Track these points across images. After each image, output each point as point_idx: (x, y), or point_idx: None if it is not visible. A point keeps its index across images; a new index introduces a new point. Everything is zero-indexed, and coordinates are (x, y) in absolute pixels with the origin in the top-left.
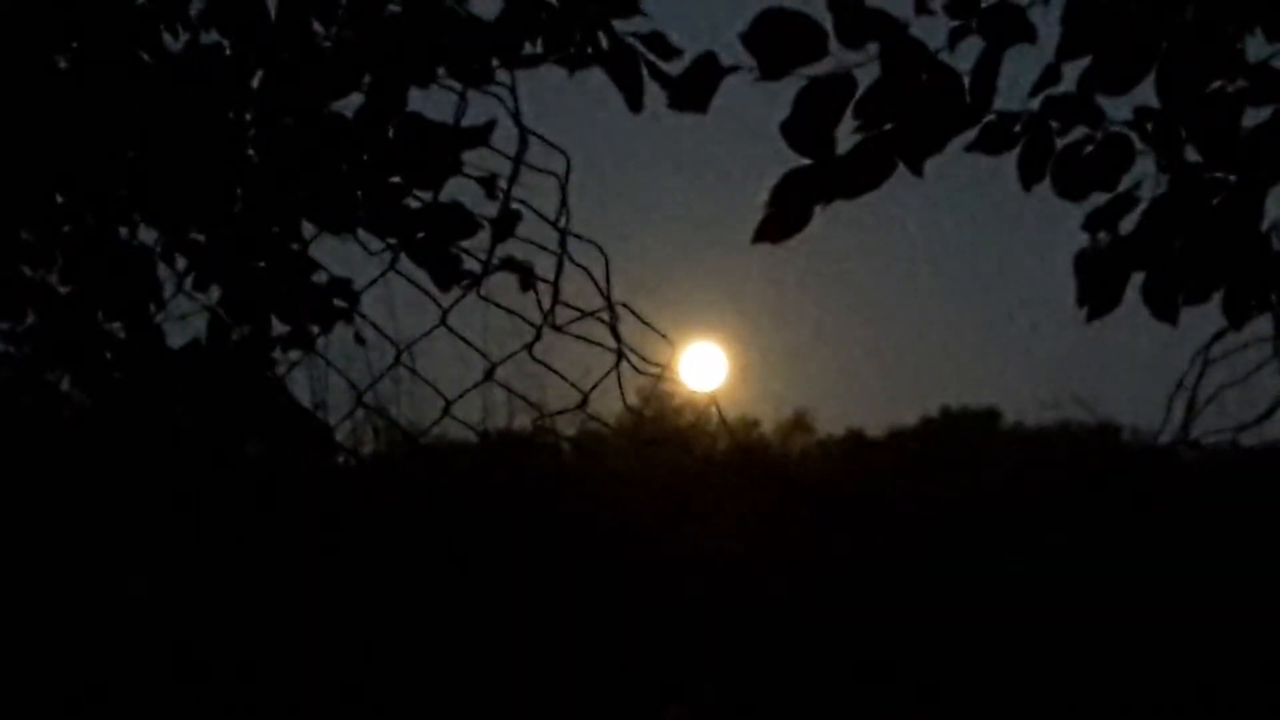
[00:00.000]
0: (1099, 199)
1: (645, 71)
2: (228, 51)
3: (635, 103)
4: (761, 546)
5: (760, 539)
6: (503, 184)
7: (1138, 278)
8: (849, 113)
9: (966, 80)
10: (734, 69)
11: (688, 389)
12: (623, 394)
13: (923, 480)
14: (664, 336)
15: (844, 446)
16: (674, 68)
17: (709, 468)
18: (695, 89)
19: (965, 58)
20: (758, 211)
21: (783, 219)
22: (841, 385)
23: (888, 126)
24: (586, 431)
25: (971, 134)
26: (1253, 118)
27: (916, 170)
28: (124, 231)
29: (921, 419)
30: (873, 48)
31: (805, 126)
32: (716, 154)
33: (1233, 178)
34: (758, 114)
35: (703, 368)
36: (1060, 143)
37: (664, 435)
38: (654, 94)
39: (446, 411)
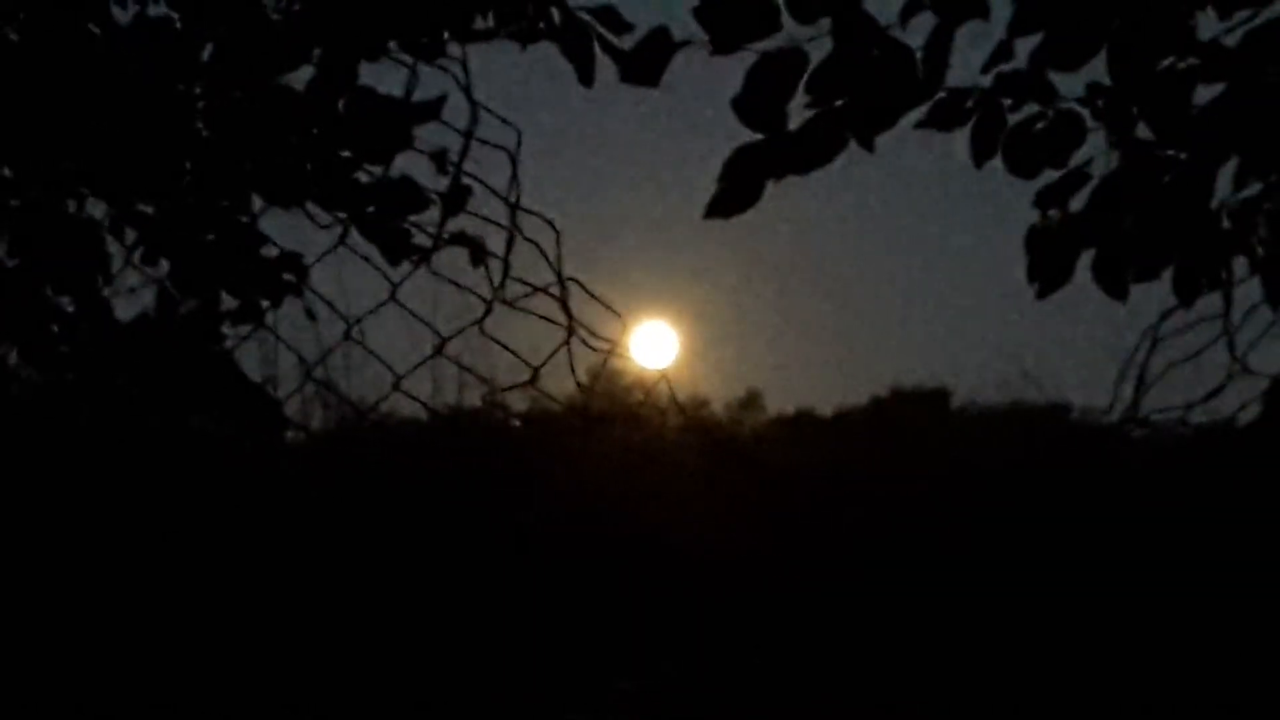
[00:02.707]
0: (1050, 176)
1: (597, 46)
2: (177, 24)
3: (587, 77)
4: (714, 524)
5: (712, 516)
6: (453, 158)
7: (1088, 255)
8: (801, 88)
9: (919, 56)
10: (686, 43)
11: (638, 366)
12: (573, 370)
13: (873, 458)
14: (615, 312)
15: (794, 425)
16: (626, 42)
17: (660, 445)
18: (647, 63)
19: (918, 33)
20: (710, 187)
21: (734, 194)
22: (792, 365)
23: (839, 102)
24: (536, 408)
25: (923, 110)
26: (1204, 95)
27: (868, 146)
28: (72, 205)
29: (871, 398)
30: (825, 23)
31: (757, 102)
32: (668, 129)
33: (1183, 155)
34: (710, 89)
35: (653, 346)
36: (1012, 119)
37: (614, 412)
38: (606, 68)
39: (396, 386)
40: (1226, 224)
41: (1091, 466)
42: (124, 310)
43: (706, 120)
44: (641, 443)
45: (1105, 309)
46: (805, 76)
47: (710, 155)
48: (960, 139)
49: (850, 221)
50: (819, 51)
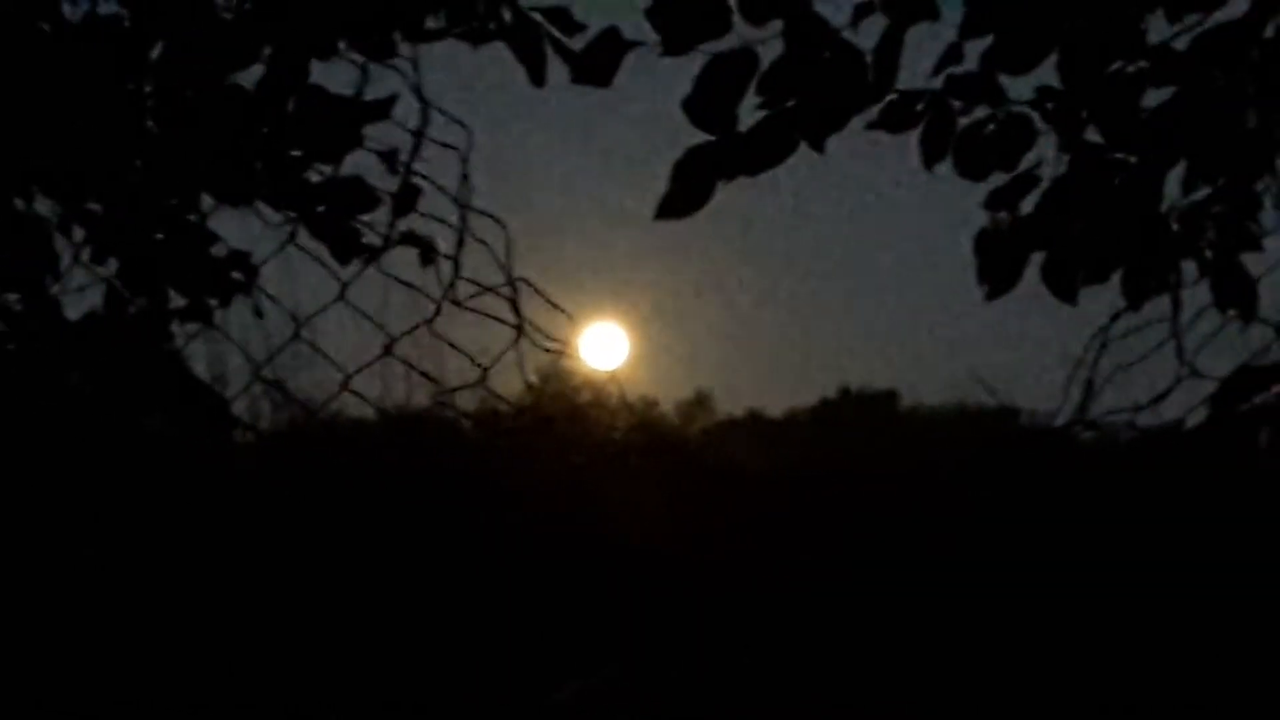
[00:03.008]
0: (1000, 179)
1: (548, 46)
2: (126, 22)
3: (538, 77)
4: (665, 523)
5: (663, 515)
6: (404, 158)
7: (1038, 258)
8: (752, 90)
9: (870, 58)
10: (637, 44)
11: (588, 367)
12: (523, 371)
13: (821, 458)
14: (565, 313)
15: (744, 426)
16: (577, 42)
17: (610, 444)
18: (599, 63)
19: (869, 35)
20: (660, 188)
21: (685, 195)
22: (742, 366)
23: (790, 104)
24: (485, 408)
25: (874, 112)
26: (1153, 98)
27: (818, 147)
28: (20, 202)
29: (820, 399)
30: (776, 24)
31: (708, 103)
32: (619, 131)
33: (1133, 159)
34: (662, 90)
35: (603, 346)
36: (962, 122)
37: (564, 412)
38: (558, 70)
39: (345, 386)
40: (1175, 227)
41: (1036, 468)
42: (73, 309)
43: (658, 121)
44: (591, 443)
45: (1056, 312)
46: (756, 78)
47: (659, 156)
48: (911, 141)
49: (802, 224)
50: (770, 53)
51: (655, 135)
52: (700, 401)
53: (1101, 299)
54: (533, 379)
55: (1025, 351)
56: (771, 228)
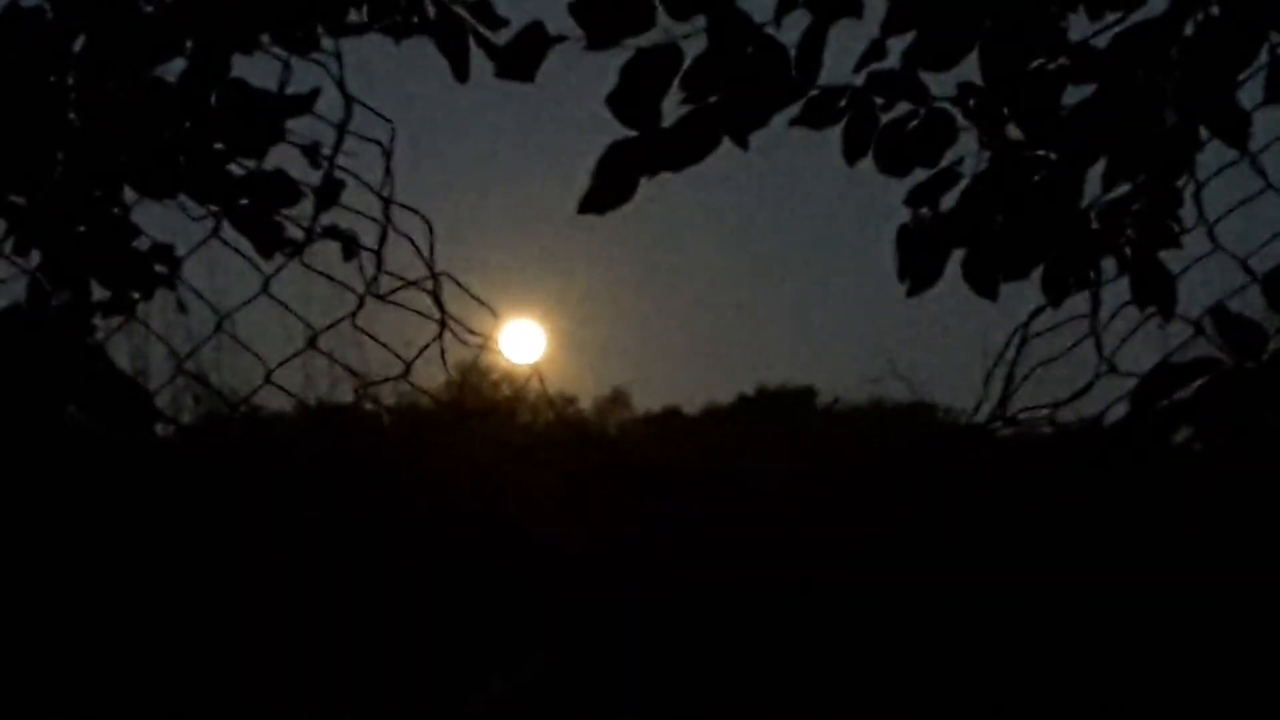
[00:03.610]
0: (922, 175)
1: (472, 40)
2: (48, 14)
3: (461, 72)
4: (586, 519)
5: (584, 511)
6: (327, 152)
7: (959, 254)
8: (675, 85)
9: (793, 54)
10: (561, 39)
11: (507, 362)
12: (445, 364)
13: (739, 454)
14: (488, 307)
15: (661, 422)
16: (500, 37)
17: (532, 440)
18: (523, 58)
19: (792, 31)
20: (581, 183)
21: (608, 190)
22: (660, 363)
23: (714, 99)
24: (406, 402)
25: (797, 108)
26: (1074, 96)
27: (742, 143)
28: None
29: (738, 396)
30: (700, 20)
31: (631, 98)
32: (535, 125)
33: (1053, 156)
34: (585, 85)
35: (522, 342)
36: (884, 118)
37: (485, 407)
38: (480, 64)
39: (267, 379)
40: (1095, 224)
41: (951, 463)
42: None
43: (575, 116)
44: (510, 438)
45: (975, 307)
46: (680, 73)
47: (576, 151)
48: (832, 137)
49: (718, 219)
50: (693, 48)
51: (573, 131)
52: (618, 398)
53: (1021, 295)
54: (454, 373)
55: (943, 348)
56: (689, 224)
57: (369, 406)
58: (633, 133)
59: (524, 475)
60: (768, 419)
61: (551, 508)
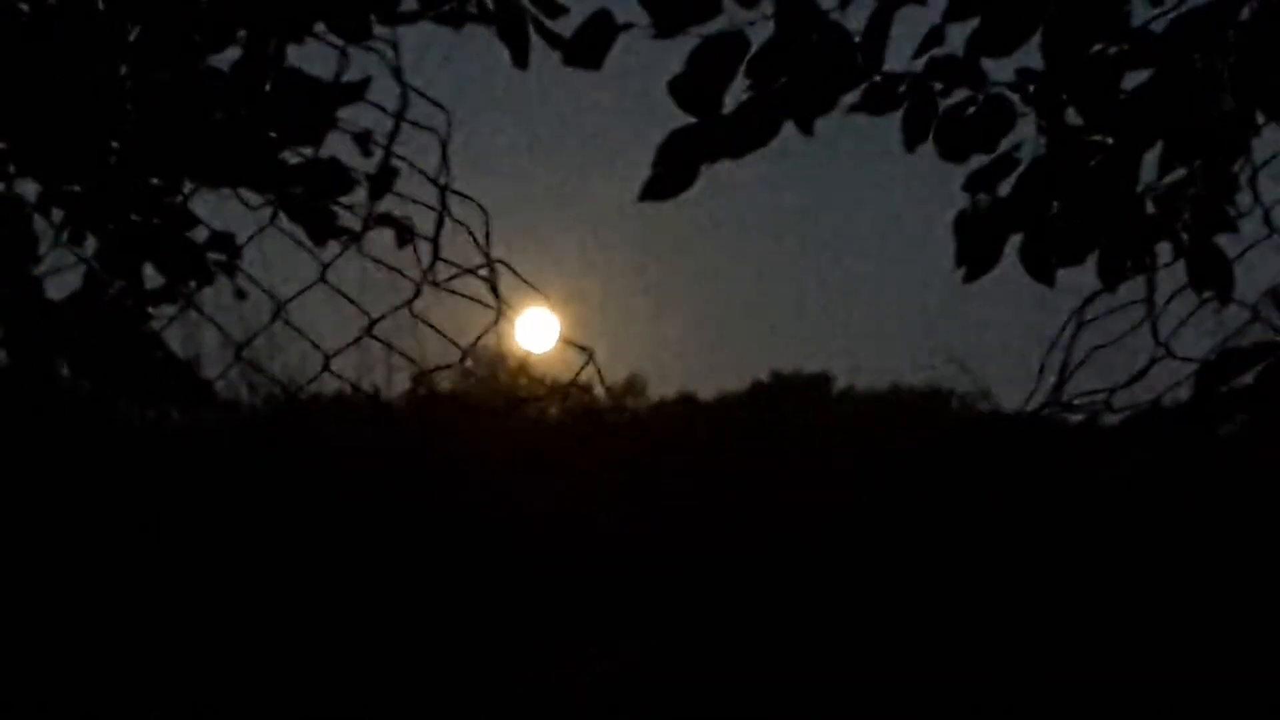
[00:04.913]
0: (980, 160)
1: (532, 29)
2: (101, 4)
3: (522, 59)
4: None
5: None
6: (381, 140)
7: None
8: (740, 72)
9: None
10: (629, 26)
11: (522, 351)
12: (502, 351)
13: (757, 440)
14: (542, 295)
15: (677, 409)
16: (558, 25)
17: (575, 426)
18: (590, 45)
19: (856, 17)
20: (593, 169)
21: (669, 178)
22: (675, 350)
23: (779, 85)
24: (460, 389)
25: (854, 95)
26: (1130, 81)
27: (807, 129)
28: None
29: (753, 382)
30: (766, 7)
31: (696, 84)
32: (595, 113)
33: (1110, 140)
34: (635, 74)
35: (537, 330)
36: (943, 104)
37: (534, 395)
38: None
39: (325, 367)
40: (1151, 209)
41: (1010, 448)
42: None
43: (577, 106)
44: (560, 423)
45: (1024, 293)
46: (746, 59)
47: (590, 138)
48: (858, 123)
49: (734, 207)
50: (758, 36)
51: (588, 118)
52: (632, 385)
53: (1075, 280)
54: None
55: (966, 335)
56: (704, 210)
57: (425, 393)
58: (692, 120)
59: (587, 464)
60: (784, 404)
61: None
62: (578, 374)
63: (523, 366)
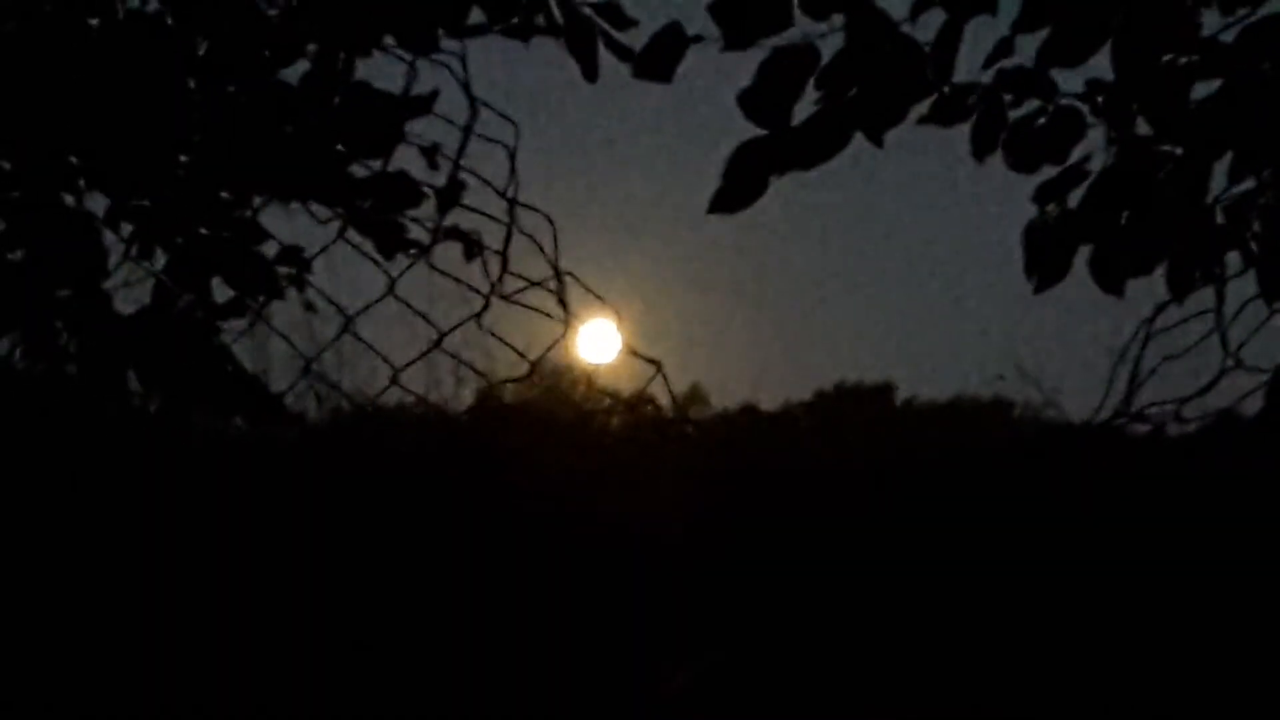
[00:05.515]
0: (1048, 171)
1: (600, 41)
2: (169, 19)
3: (590, 72)
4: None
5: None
6: (448, 153)
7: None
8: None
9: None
10: (698, 39)
11: (587, 362)
12: (571, 364)
13: (827, 448)
14: (610, 308)
15: (741, 418)
16: (627, 37)
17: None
18: (660, 58)
19: (926, 29)
20: (644, 181)
21: (738, 190)
22: (735, 361)
23: (849, 97)
24: (526, 400)
25: (924, 106)
26: (1200, 91)
27: (877, 140)
28: (69, 198)
29: (816, 393)
30: (837, 19)
31: (765, 96)
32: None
33: (1179, 150)
34: (703, 87)
35: (598, 342)
36: (1012, 115)
37: (607, 408)
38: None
39: (394, 380)
40: (1220, 219)
41: (1081, 457)
42: (119, 305)
43: (629, 120)
44: (636, 433)
45: (1091, 304)
46: (816, 72)
47: (647, 151)
48: (920, 135)
49: (793, 219)
50: (829, 48)
51: (638, 131)
52: (694, 395)
53: (1141, 291)
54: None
55: (1068, 344)
56: (763, 222)
57: (495, 406)
58: (761, 132)
59: (657, 476)
60: (847, 415)
61: (665, 504)
62: (645, 385)
63: (588, 378)
